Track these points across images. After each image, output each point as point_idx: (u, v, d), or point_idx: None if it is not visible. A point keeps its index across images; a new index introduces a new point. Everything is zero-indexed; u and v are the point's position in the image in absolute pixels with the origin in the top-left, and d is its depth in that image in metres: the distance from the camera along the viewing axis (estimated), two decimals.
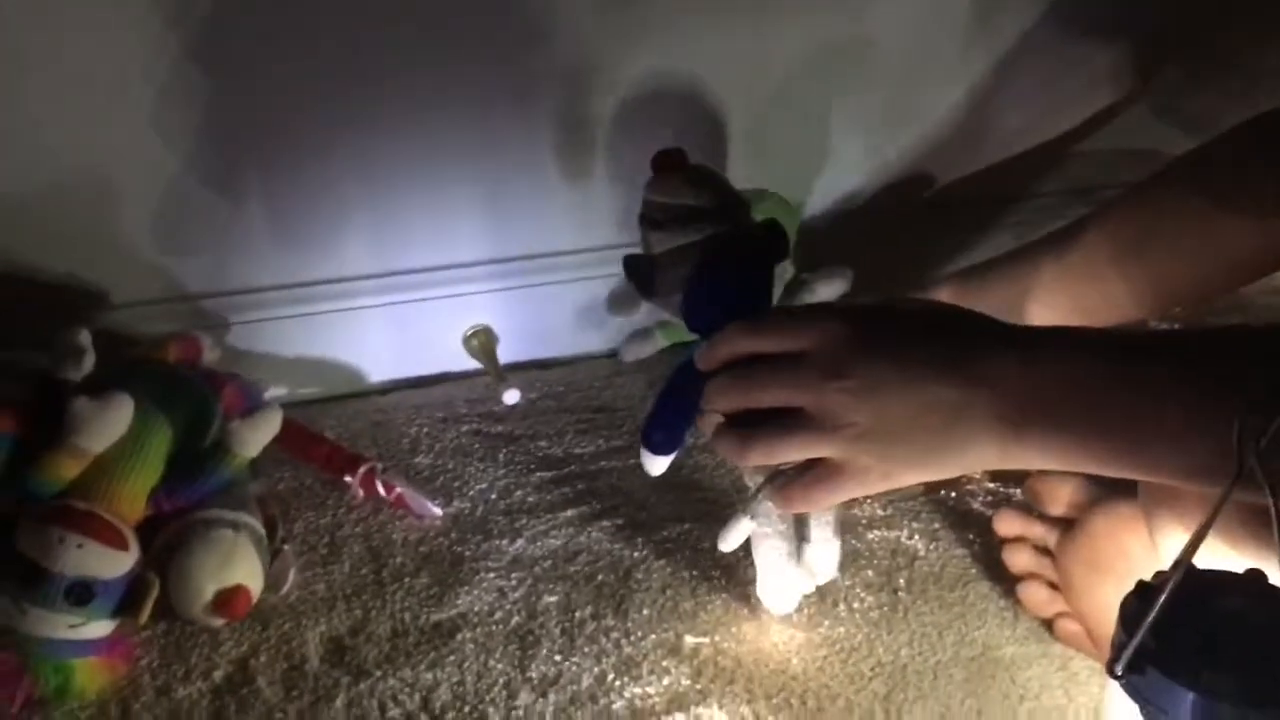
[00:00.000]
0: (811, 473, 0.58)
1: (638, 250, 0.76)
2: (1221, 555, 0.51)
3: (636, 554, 0.76)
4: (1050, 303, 0.73)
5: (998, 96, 1.00)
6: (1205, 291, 0.72)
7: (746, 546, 0.69)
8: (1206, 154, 0.72)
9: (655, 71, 0.90)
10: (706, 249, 0.68)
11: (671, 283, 0.69)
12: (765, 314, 0.63)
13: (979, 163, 1.05)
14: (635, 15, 0.85)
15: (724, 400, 0.60)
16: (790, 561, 0.66)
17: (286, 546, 0.75)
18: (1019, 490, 0.81)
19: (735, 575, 0.74)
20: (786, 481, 0.60)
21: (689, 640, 0.69)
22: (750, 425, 0.59)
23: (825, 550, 0.67)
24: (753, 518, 0.66)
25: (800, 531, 0.67)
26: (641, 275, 0.72)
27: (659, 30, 0.87)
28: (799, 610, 0.71)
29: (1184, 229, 0.70)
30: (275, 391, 0.93)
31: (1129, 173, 1.04)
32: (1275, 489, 0.41)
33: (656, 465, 0.67)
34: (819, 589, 0.71)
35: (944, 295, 0.74)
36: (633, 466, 0.85)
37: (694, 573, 0.74)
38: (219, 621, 0.68)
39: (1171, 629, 0.44)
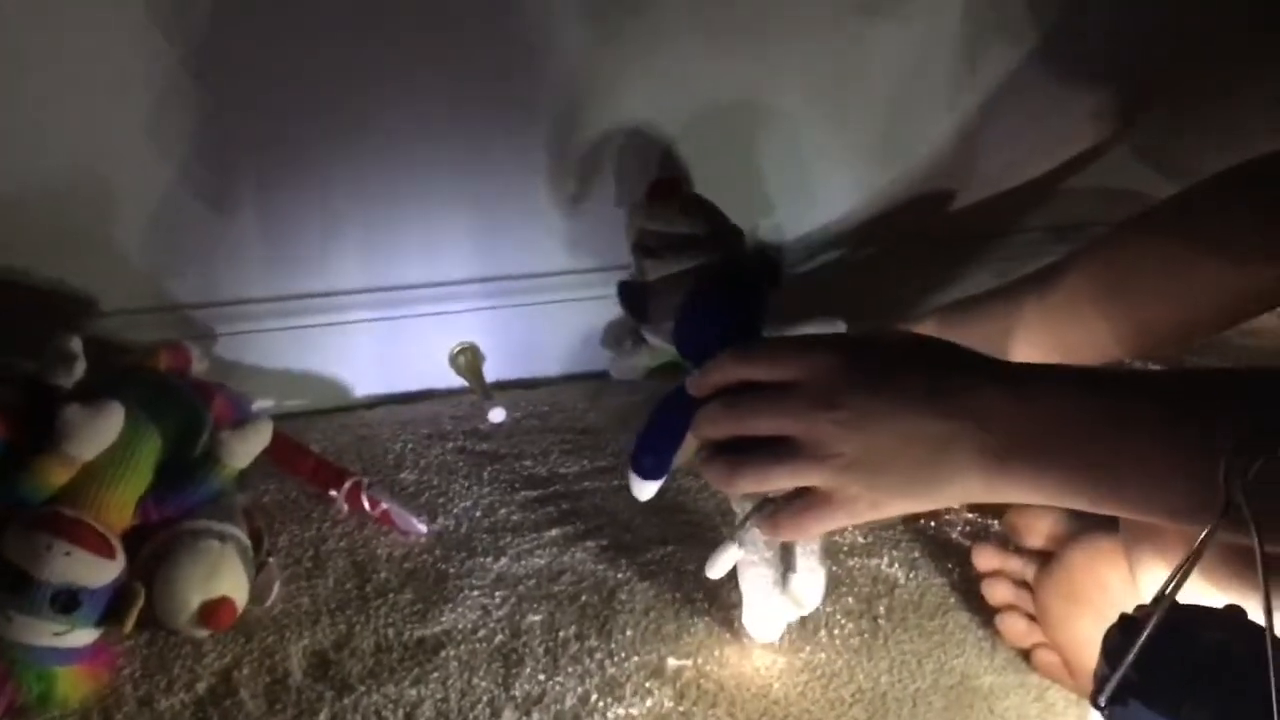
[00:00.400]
0: (801, 501, 0.59)
1: (629, 276, 0.77)
2: (1200, 591, 0.53)
3: (620, 575, 0.77)
4: (1032, 341, 0.74)
5: (984, 134, 1.02)
6: (1186, 334, 0.73)
7: (731, 571, 0.69)
8: (1189, 199, 0.74)
9: (648, 98, 0.91)
10: (700, 276, 0.69)
11: (665, 309, 0.70)
12: (758, 343, 0.64)
13: (964, 199, 1.07)
14: (632, 42, 0.86)
15: (714, 428, 0.61)
16: (776, 590, 0.67)
17: (271, 559, 0.75)
18: (997, 521, 0.82)
19: (718, 599, 0.74)
20: (776, 510, 0.61)
21: (672, 662, 0.69)
22: (740, 453, 0.60)
23: (810, 579, 0.67)
24: (740, 545, 0.66)
25: (786, 560, 0.67)
26: (635, 301, 0.72)
27: (654, 57, 0.88)
28: (781, 635, 0.71)
29: (1166, 272, 0.71)
30: (261, 403, 0.93)
31: (1111, 211, 1.06)
32: (1259, 526, 0.42)
33: (645, 490, 0.68)
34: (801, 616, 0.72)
35: (928, 329, 0.75)
36: (617, 488, 0.86)
37: (677, 595, 0.75)
38: (203, 632, 0.68)
39: (1154, 662, 0.45)
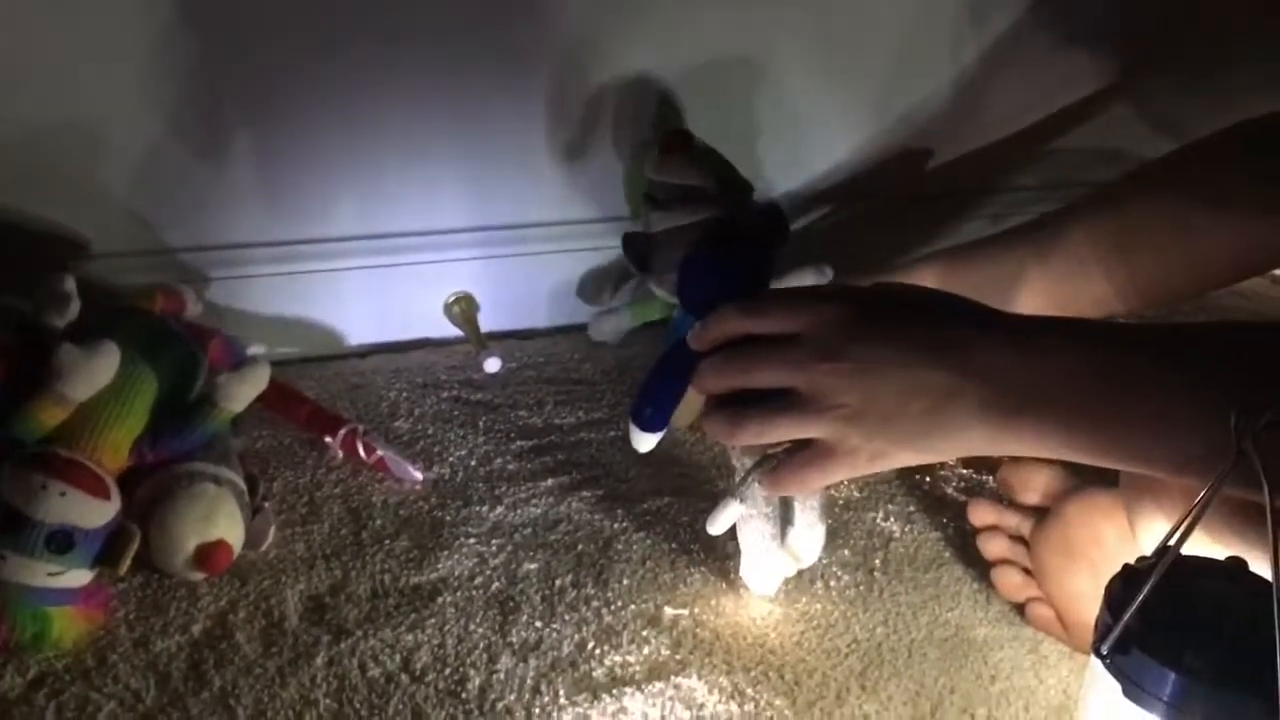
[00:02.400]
0: (802, 454, 0.59)
1: (634, 227, 0.76)
2: (1200, 546, 0.53)
3: (616, 525, 0.77)
4: (1033, 291, 0.74)
5: (983, 90, 1.02)
6: (1186, 291, 0.73)
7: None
8: (1188, 157, 0.73)
9: (648, 53, 0.90)
10: (705, 230, 0.68)
11: (668, 261, 0.69)
12: (759, 295, 0.63)
13: (959, 154, 1.07)
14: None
15: (717, 380, 0.61)
16: (774, 544, 0.67)
17: (266, 504, 0.74)
18: (992, 477, 0.82)
19: (714, 550, 0.74)
20: (778, 464, 0.61)
21: (668, 612, 0.69)
22: (742, 405, 0.60)
23: (809, 535, 0.67)
24: (742, 501, 0.66)
25: (785, 515, 0.67)
26: (639, 252, 0.72)
27: (656, 10, 0.88)
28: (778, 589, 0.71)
29: (1167, 229, 0.71)
30: (254, 350, 0.92)
31: (1105, 170, 1.06)
32: (1269, 476, 0.42)
33: (645, 442, 0.67)
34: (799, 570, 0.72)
35: (929, 277, 0.75)
36: (612, 439, 0.86)
37: (673, 545, 0.75)
38: (199, 575, 0.67)
39: (1156, 612, 0.45)
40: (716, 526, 0.68)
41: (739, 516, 0.67)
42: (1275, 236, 0.67)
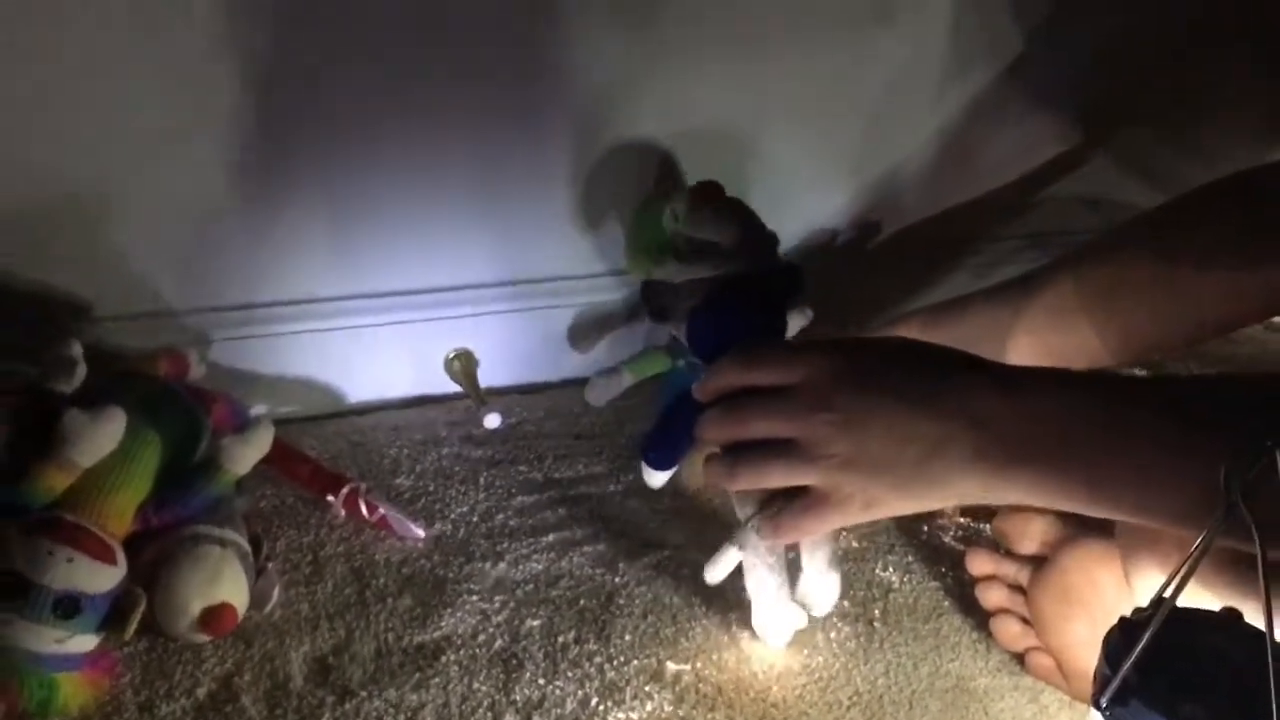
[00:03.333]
0: (798, 501, 0.60)
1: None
2: (1195, 596, 0.54)
3: (618, 579, 0.77)
4: (1019, 346, 0.75)
5: (964, 143, 1.03)
6: (1172, 344, 0.74)
7: (734, 575, 0.70)
8: (1175, 210, 0.75)
9: (647, 116, 0.92)
10: (722, 284, 0.70)
11: (685, 311, 0.71)
12: (754, 347, 0.65)
13: (943, 206, 1.08)
14: (640, 57, 0.87)
15: (717, 431, 0.62)
16: (782, 594, 0.67)
17: (270, 564, 0.75)
18: (989, 526, 0.83)
19: (715, 603, 0.75)
20: (775, 511, 0.62)
21: (671, 666, 0.70)
22: (740, 452, 0.61)
23: (820, 584, 0.68)
24: (741, 549, 0.67)
25: (795, 565, 0.68)
26: (657, 301, 0.74)
27: (653, 77, 0.90)
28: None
29: (1154, 283, 0.72)
30: (256, 410, 0.93)
31: (1088, 220, 1.08)
32: (1259, 527, 0.43)
33: (656, 479, 0.69)
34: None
35: (910, 332, 0.76)
36: (612, 493, 0.87)
37: (675, 599, 0.75)
38: (204, 638, 0.68)
39: (1153, 663, 0.46)
40: (714, 574, 0.69)
41: (747, 565, 0.68)
42: (1260, 289, 0.68)
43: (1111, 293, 0.73)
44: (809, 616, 0.70)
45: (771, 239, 0.76)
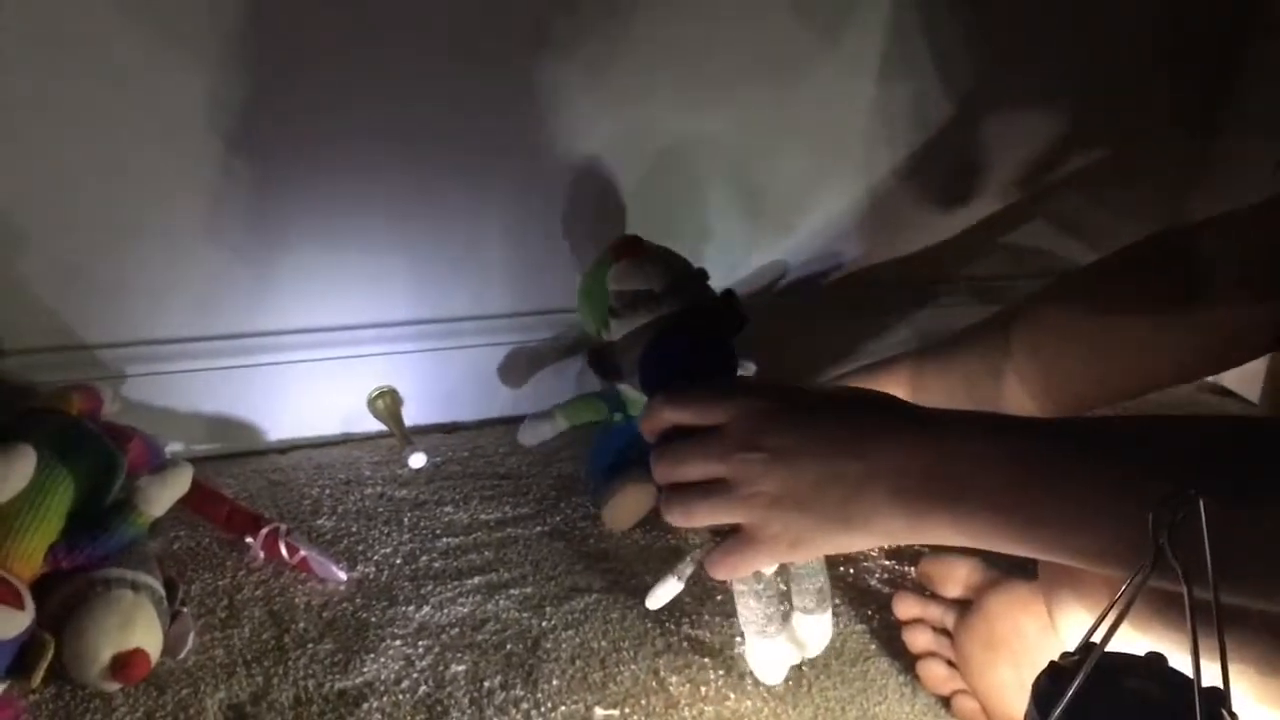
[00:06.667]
0: (730, 539, 0.60)
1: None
2: (1123, 636, 0.54)
3: (545, 624, 0.76)
4: (944, 396, 0.77)
5: (909, 188, 1.06)
6: (1097, 399, 0.76)
7: (661, 613, 0.70)
8: (1105, 272, 0.77)
9: (589, 147, 0.92)
10: (660, 328, 0.70)
11: (633, 364, 0.71)
12: (684, 389, 0.65)
13: (890, 252, 1.10)
14: (583, 97, 0.88)
15: (657, 470, 0.63)
16: (771, 628, 0.67)
17: (185, 609, 0.72)
18: (914, 569, 0.84)
19: (643, 648, 0.74)
20: (711, 548, 0.62)
21: (599, 712, 0.69)
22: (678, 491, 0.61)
23: (810, 621, 0.68)
24: (680, 580, 0.68)
25: (785, 601, 0.68)
26: (604, 362, 0.74)
27: (604, 111, 0.90)
28: (704, 685, 0.71)
29: (1086, 345, 0.74)
30: (172, 447, 0.90)
31: (1021, 266, 1.11)
32: (1187, 572, 0.43)
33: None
34: (723, 663, 0.72)
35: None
36: (539, 534, 0.86)
37: (603, 644, 0.75)
38: (115, 686, 0.65)
39: (1080, 708, 0.46)
40: (653, 601, 0.70)
41: (736, 594, 0.67)
42: (1173, 346, 0.71)
43: (1044, 357, 0.75)
44: (805, 655, 0.70)
45: (700, 274, 0.77)
